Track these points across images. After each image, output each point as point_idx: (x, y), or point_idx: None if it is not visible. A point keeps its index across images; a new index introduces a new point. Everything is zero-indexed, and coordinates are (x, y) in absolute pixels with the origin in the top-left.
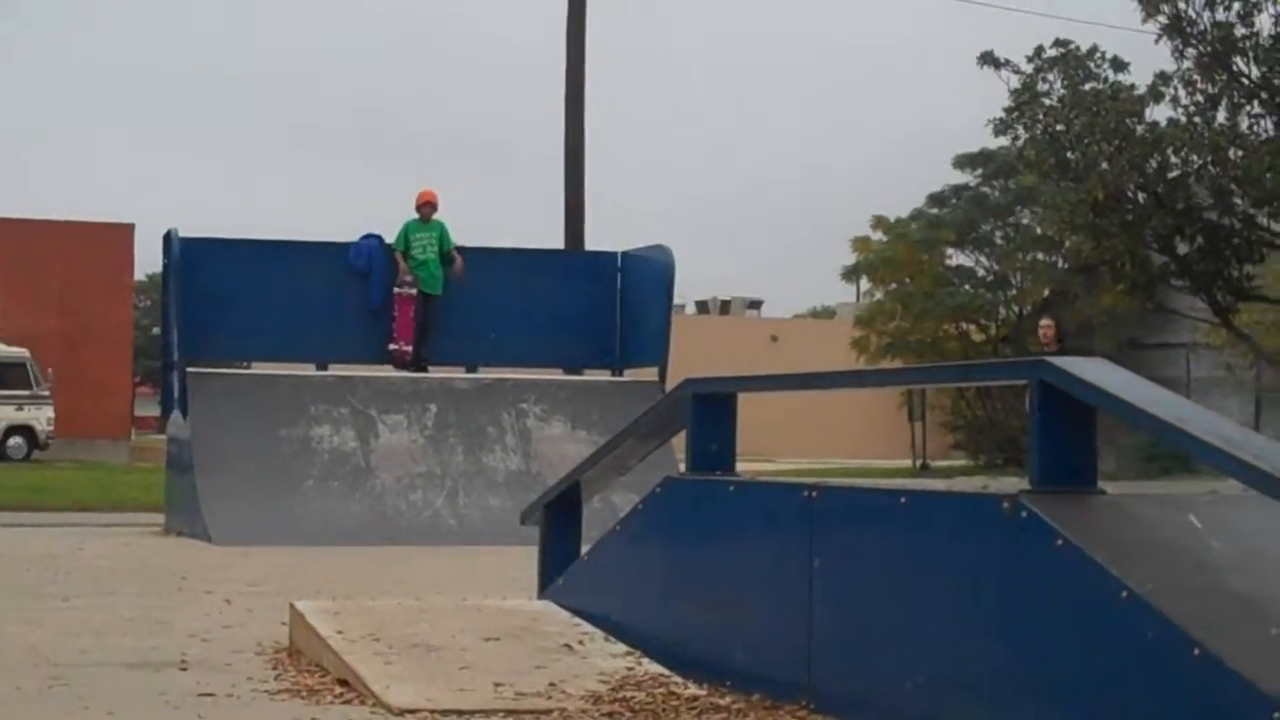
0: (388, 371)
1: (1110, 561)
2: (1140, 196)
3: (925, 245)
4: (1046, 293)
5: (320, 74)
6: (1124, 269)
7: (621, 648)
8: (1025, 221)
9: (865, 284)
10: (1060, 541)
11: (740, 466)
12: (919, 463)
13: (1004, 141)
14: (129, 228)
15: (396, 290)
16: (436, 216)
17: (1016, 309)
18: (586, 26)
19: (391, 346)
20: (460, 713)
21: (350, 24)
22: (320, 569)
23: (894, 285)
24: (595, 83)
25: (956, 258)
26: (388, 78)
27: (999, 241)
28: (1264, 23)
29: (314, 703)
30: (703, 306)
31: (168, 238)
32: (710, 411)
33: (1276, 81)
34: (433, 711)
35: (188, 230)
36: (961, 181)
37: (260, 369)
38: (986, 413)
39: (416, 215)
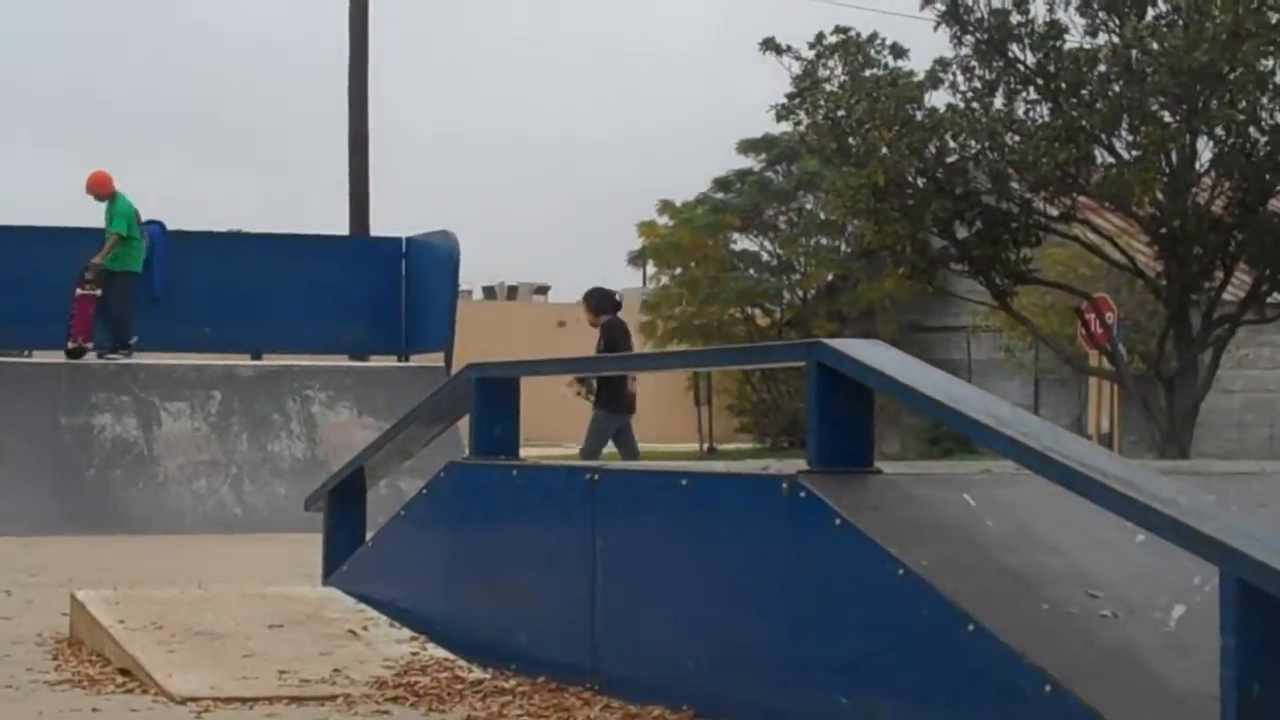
0: (171, 359)
1: (887, 540)
2: (920, 181)
3: (710, 230)
4: (830, 277)
5: (84, 62)
6: (904, 253)
7: (406, 633)
8: (809, 207)
9: (651, 269)
10: (838, 521)
11: (527, 451)
12: (706, 446)
13: (787, 127)
14: None
15: (79, 291)
16: (124, 193)
17: (801, 293)
18: (369, 9)
19: (70, 345)
20: (243, 700)
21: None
22: (103, 559)
23: (680, 270)
24: (378, 64)
25: (741, 242)
26: (159, 63)
27: (783, 226)
28: (1038, 10)
29: (95, 692)
30: (490, 292)
31: None
32: (493, 396)
33: (1050, 68)
34: (215, 699)
35: None
36: (746, 166)
37: (40, 357)
38: (771, 396)
39: None
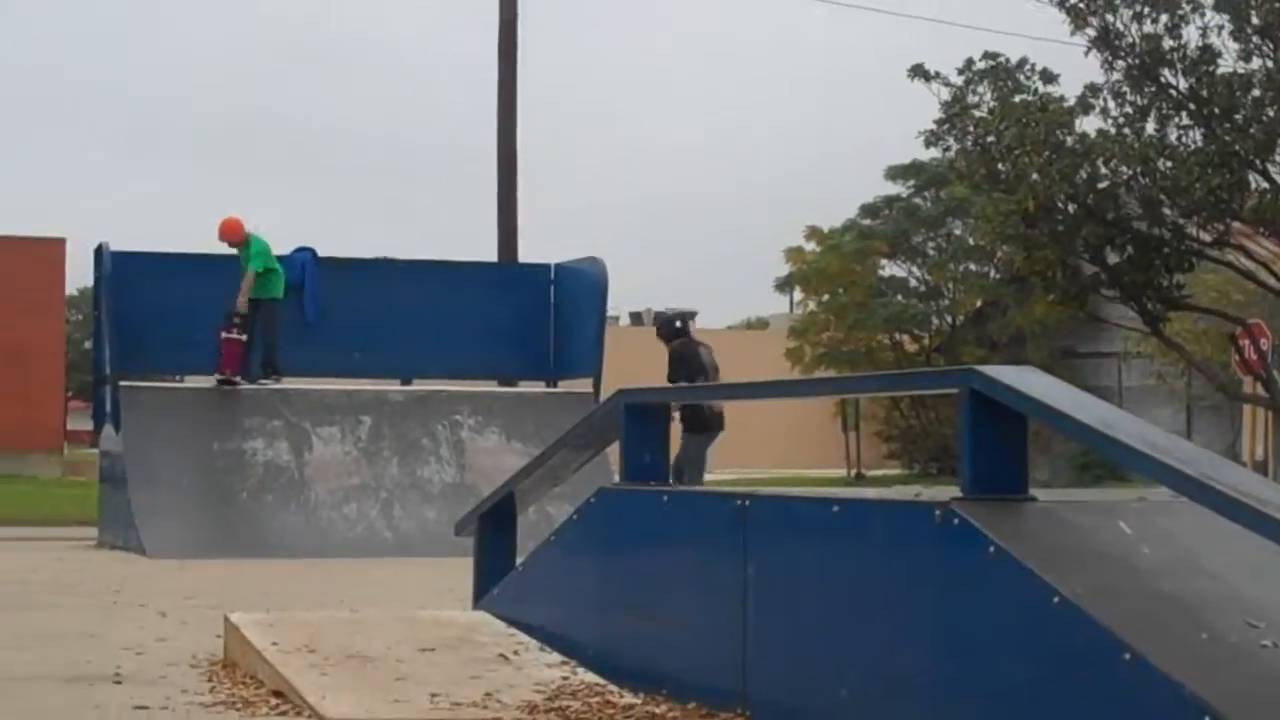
0: (322, 383)
1: (1041, 567)
2: (1070, 207)
3: (858, 256)
4: (979, 303)
5: (243, 89)
6: (1055, 279)
7: (557, 657)
8: (957, 232)
9: (798, 295)
10: (992, 548)
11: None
12: (854, 472)
13: (935, 153)
14: (60, 242)
15: (224, 335)
16: (256, 233)
17: (949, 319)
18: (519, 37)
19: (219, 376)
20: None
21: (270, 34)
22: (255, 581)
23: (827, 296)
24: (525, 88)
25: (889, 268)
26: (314, 91)
27: (931, 252)
28: (1191, 35)
29: (249, 714)
30: (637, 318)
31: (99, 252)
32: (643, 422)
33: (1203, 93)
34: None
35: (118, 244)
36: (894, 193)
37: (193, 382)
38: (920, 422)
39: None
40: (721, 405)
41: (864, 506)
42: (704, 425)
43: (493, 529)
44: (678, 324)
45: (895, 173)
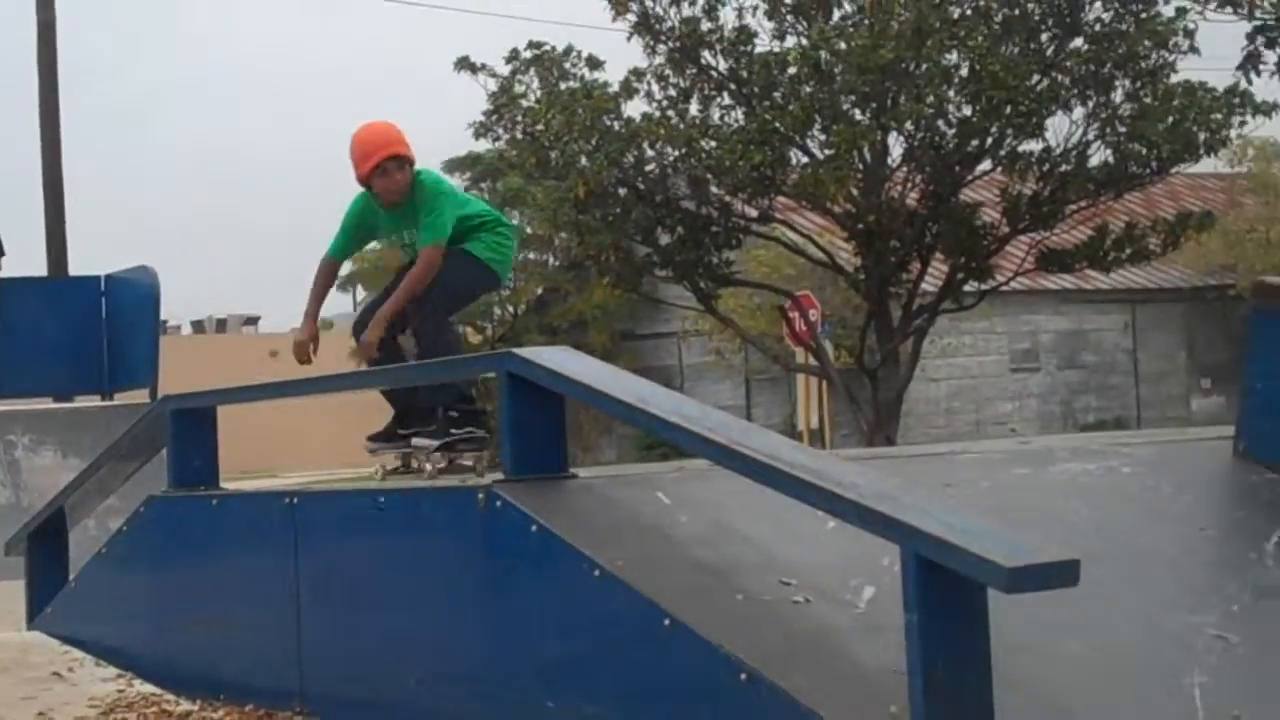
0: None
1: (582, 543)
2: (621, 191)
3: None
4: (539, 291)
5: None
6: (609, 262)
7: (113, 672)
8: (515, 222)
9: (361, 293)
10: (534, 527)
11: (247, 484)
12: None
13: (488, 145)
14: None
15: None
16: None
17: (512, 309)
18: (58, 49)
19: None
20: None
21: None
22: None
23: None
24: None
25: None
26: None
27: None
28: (728, 17)
29: None
30: (199, 326)
31: None
32: (189, 427)
33: (743, 73)
34: None
35: None
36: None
37: None
38: (491, 410)
39: None
40: None
41: (409, 496)
42: None
43: (44, 547)
44: None
45: (453, 165)
